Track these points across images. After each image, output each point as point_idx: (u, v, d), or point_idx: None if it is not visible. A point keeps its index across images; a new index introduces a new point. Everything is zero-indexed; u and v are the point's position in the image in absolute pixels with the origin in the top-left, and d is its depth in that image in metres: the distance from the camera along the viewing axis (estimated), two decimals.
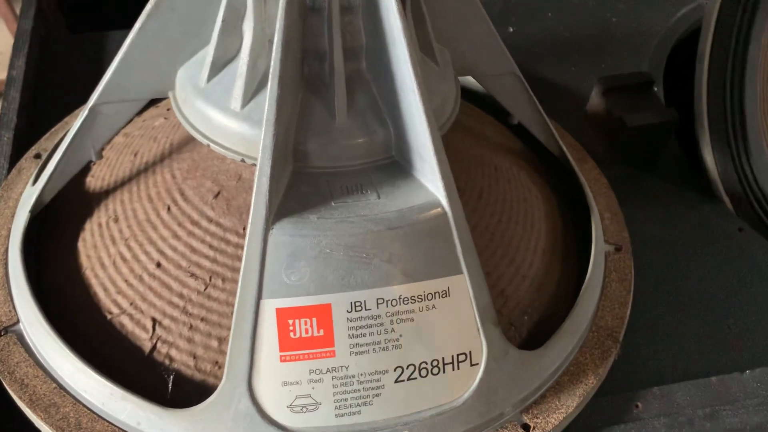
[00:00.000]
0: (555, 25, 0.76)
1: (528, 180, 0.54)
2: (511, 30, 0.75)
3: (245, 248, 0.35)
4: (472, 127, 0.54)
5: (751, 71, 0.57)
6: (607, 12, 0.78)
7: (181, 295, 0.41)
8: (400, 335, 0.36)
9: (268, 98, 0.34)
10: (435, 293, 0.37)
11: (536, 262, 0.47)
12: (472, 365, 0.38)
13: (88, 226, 0.47)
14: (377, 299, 0.36)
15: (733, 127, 0.58)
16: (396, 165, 0.39)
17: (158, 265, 0.42)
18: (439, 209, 0.37)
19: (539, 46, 0.74)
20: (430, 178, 0.37)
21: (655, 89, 0.68)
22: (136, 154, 0.49)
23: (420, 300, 0.37)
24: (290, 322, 0.35)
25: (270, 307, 0.35)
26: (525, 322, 0.45)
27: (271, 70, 0.34)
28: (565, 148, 0.54)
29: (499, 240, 0.46)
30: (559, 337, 0.42)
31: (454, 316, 0.38)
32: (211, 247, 0.41)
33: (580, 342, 0.44)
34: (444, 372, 0.37)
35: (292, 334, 0.35)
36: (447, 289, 0.37)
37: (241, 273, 0.35)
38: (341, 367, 0.36)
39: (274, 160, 0.34)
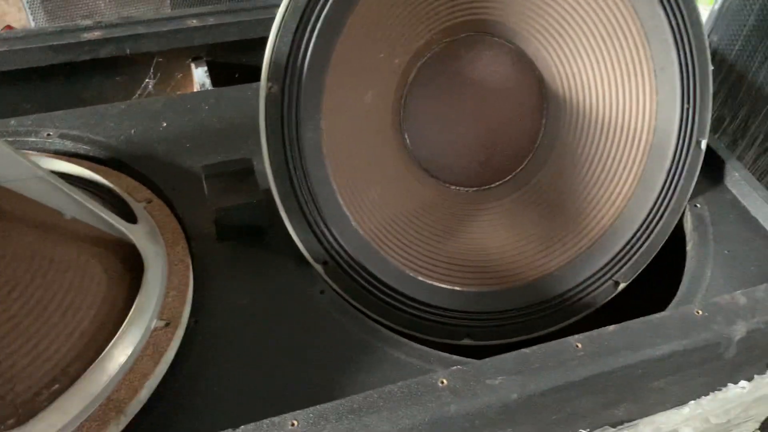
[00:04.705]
0: (209, 116, 0.83)
1: (98, 267, 0.58)
2: (165, 125, 0.81)
3: None
4: (41, 222, 0.58)
5: (312, 151, 0.64)
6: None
7: None
8: None
9: None
10: None
11: (82, 345, 0.52)
12: None
13: None
14: None
15: (306, 202, 0.65)
16: None
17: None
18: None
19: (190, 138, 0.80)
20: None
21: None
22: None
23: None
24: None
25: None
26: (39, 402, 0.49)
27: None
28: (131, 237, 0.59)
29: (24, 329, 0.51)
30: (43, 417, 0.46)
31: None
32: None
33: (82, 416, 0.48)
34: None
35: None
36: None
37: None
38: None
39: None
